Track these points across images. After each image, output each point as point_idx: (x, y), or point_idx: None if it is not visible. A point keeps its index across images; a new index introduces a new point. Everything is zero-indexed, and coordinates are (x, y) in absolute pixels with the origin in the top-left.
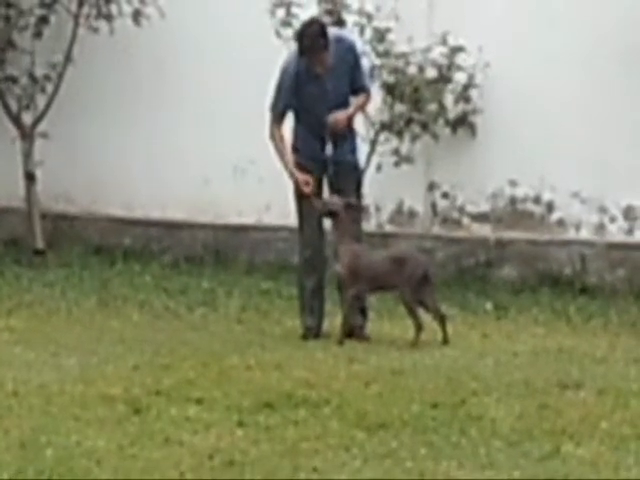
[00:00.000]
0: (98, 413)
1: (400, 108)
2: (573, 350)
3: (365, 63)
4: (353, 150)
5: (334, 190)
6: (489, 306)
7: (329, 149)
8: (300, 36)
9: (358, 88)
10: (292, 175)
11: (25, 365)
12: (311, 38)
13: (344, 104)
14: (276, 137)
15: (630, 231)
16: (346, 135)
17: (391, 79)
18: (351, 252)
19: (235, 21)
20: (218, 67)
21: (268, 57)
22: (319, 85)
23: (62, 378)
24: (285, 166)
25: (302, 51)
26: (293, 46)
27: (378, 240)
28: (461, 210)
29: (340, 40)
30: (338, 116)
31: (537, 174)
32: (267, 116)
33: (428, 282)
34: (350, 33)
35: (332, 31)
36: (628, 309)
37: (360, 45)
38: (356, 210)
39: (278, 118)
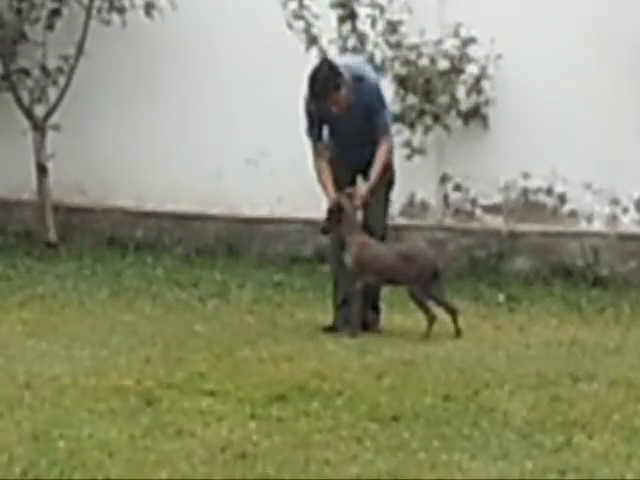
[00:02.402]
0: (110, 405)
1: (412, 100)
2: (585, 342)
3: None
4: None
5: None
6: (501, 298)
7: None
8: (310, 81)
9: (375, 130)
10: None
11: (37, 357)
12: (321, 83)
13: (364, 136)
14: (317, 168)
15: None
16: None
17: (403, 71)
18: (360, 243)
19: (247, 13)
20: (230, 59)
21: (280, 49)
22: (337, 120)
23: (74, 370)
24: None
25: (313, 95)
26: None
27: (390, 232)
28: (473, 202)
29: (361, 79)
30: (361, 194)
31: (549, 166)
32: (281, 108)
33: (437, 278)
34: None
35: (354, 67)
36: None
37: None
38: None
39: (315, 141)
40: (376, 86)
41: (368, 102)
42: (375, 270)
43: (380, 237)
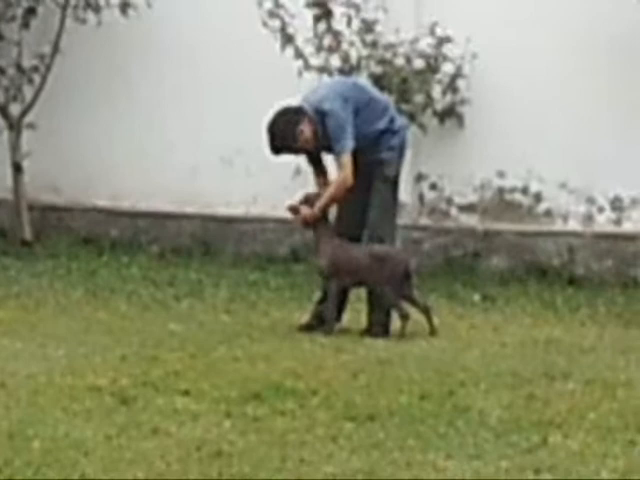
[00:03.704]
0: (86, 404)
1: None
2: (561, 341)
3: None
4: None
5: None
6: (477, 297)
7: None
8: (268, 135)
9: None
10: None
11: (12, 356)
12: (278, 138)
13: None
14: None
15: (618, 222)
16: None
17: (378, 70)
18: (332, 246)
19: (222, 12)
20: (206, 57)
21: (255, 47)
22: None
23: (50, 369)
24: None
25: (274, 151)
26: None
27: None
28: (449, 201)
29: (323, 113)
30: (302, 215)
31: (525, 165)
32: (256, 106)
33: (409, 278)
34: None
35: (316, 102)
36: (615, 300)
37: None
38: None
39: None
40: (334, 116)
41: (330, 133)
42: (348, 271)
43: (377, 239)
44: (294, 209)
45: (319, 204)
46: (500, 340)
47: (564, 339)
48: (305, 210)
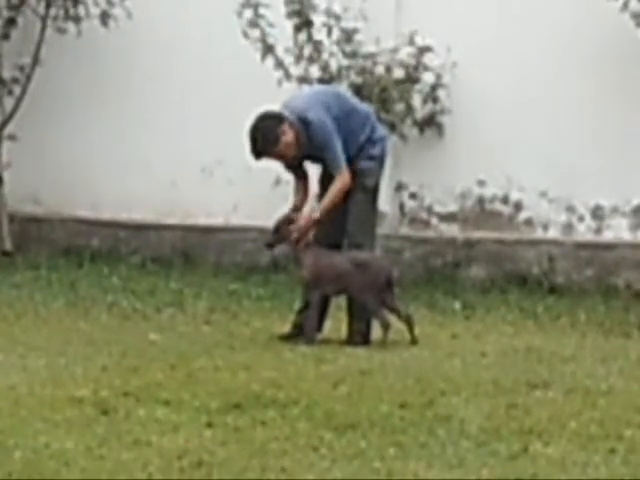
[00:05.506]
0: (66, 415)
1: None
2: (541, 349)
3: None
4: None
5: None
6: (457, 306)
7: None
8: (250, 140)
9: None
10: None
11: None
12: (259, 142)
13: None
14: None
15: (598, 230)
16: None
17: (359, 80)
18: (314, 255)
19: (202, 22)
20: (186, 68)
21: (235, 58)
22: (302, 157)
23: (30, 380)
24: None
25: (255, 155)
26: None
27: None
28: (429, 210)
29: (306, 121)
30: (299, 223)
31: (505, 174)
32: (235, 116)
33: (390, 287)
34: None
35: (299, 109)
36: (596, 308)
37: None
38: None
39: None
40: (320, 125)
41: (316, 143)
42: (331, 279)
43: (356, 249)
44: (271, 243)
45: (322, 207)
46: (481, 349)
47: (545, 348)
48: (298, 222)
